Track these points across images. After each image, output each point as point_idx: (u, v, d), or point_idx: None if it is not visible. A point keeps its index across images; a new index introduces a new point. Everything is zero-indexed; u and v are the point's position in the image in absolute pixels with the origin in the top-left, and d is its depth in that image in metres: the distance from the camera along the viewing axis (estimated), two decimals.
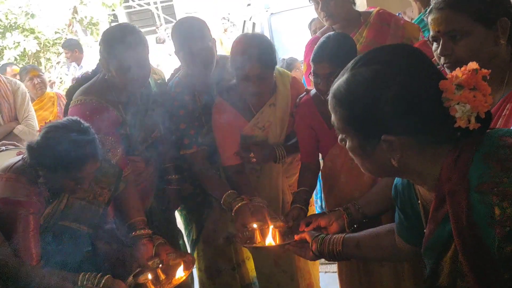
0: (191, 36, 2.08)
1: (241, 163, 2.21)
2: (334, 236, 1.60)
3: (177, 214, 2.60)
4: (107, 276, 1.71)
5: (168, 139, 2.27)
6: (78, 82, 2.16)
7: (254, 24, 6.66)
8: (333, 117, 1.08)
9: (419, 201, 1.16)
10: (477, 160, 0.95)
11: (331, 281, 2.80)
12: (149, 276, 1.83)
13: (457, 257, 0.99)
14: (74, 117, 1.80)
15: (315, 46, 1.90)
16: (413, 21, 2.61)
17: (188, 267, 1.88)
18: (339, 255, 1.56)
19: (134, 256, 1.90)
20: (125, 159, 2.08)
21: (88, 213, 1.87)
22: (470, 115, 0.96)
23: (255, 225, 1.90)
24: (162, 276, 1.84)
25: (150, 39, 6.06)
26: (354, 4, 2.38)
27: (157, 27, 12.70)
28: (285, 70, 2.28)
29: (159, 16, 17.92)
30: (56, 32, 7.95)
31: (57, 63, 8.27)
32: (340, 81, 1.05)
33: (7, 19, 7.34)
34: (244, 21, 7.45)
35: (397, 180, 1.26)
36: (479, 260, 0.93)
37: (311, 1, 2.36)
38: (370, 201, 1.78)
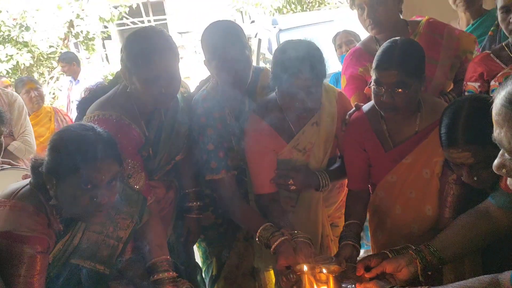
0: (227, 42, 1.79)
1: (276, 192, 1.92)
2: None
3: (195, 247, 2.28)
4: None
5: (192, 161, 1.97)
6: (92, 93, 1.84)
7: (260, 40, 6.43)
8: (500, 132, 0.78)
9: None
10: None
11: None
12: None
13: None
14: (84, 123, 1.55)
15: (379, 52, 1.65)
16: None
17: None
18: None
19: None
20: (148, 186, 1.77)
21: (106, 249, 1.56)
22: None
23: (305, 268, 1.58)
24: None
25: None
26: (401, 12, 2.13)
27: None
28: (331, 85, 2.00)
29: None
30: (50, 46, 7.71)
31: (50, 78, 8.02)
32: None
33: (0, 31, 7.07)
34: (248, 38, 7.24)
35: None
36: None
37: (353, 7, 2.10)
38: (448, 243, 1.49)
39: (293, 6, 9.71)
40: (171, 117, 1.87)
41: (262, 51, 6.44)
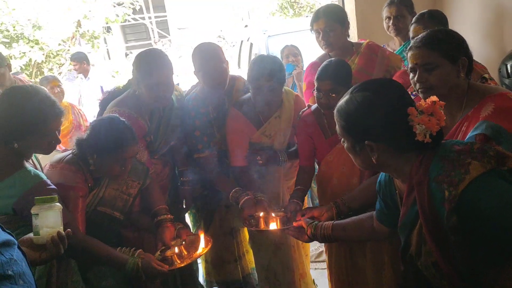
0: (210, 59, 2.45)
1: (247, 165, 2.56)
2: (325, 222, 1.99)
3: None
4: (139, 250, 2.05)
5: (184, 145, 2.63)
6: (111, 95, 2.52)
7: (251, 44, 7.04)
8: (337, 126, 1.48)
9: (397, 191, 1.54)
10: (435, 161, 1.33)
11: (319, 276, 3.16)
12: (176, 250, 2.14)
13: (422, 229, 1.36)
14: (112, 114, 2.19)
15: (320, 68, 2.28)
16: (394, 52, 3.03)
17: (206, 245, 2.19)
18: (329, 238, 1.95)
19: (159, 236, 2.21)
20: (150, 161, 2.43)
21: (120, 201, 2.19)
22: (426, 133, 1.35)
23: (261, 213, 2.27)
24: (185, 252, 2.16)
25: None
26: (348, 36, 2.79)
27: (155, 42, 13.07)
28: (290, 89, 2.68)
29: (153, 31, 18.31)
30: (59, 44, 8.25)
31: (59, 73, 8.55)
32: (342, 100, 1.46)
33: (14, 30, 7.62)
34: (242, 41, 7.87)
35: (380, 177, 1.65)
36: (436, 229, 1.29)
37: (312, 31, 2.74)
38: (354, 197, 2.17)
39: (285, 10, 10.38)
40: (168, 113, 2.53)
41: (254, 52, 7.06)
